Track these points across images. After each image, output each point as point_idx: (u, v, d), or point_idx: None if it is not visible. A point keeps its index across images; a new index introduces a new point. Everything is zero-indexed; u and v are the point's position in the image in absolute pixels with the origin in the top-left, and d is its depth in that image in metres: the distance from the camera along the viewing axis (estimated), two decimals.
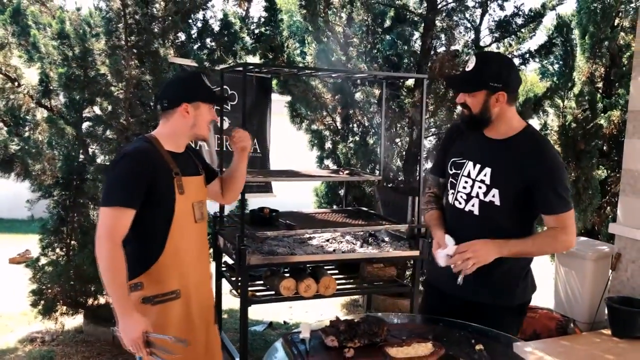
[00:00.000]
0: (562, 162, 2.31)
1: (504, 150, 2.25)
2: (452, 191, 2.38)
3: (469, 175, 2.31)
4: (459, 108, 2.36)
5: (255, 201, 6.61)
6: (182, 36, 4.43)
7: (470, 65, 2.18)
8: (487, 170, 2.26)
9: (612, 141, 5.77)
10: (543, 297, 5.33)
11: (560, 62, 5.98)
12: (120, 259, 2.03)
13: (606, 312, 4.69)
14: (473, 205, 2.28)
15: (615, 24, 5.89)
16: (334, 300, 5.30)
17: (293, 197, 6.11)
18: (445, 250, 2.19)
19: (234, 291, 3.51)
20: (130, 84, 3.57)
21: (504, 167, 2.23)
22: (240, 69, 3.26)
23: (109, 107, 3.61)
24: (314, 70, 3.98)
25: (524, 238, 2.22)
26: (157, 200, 2.14)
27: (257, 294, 3.51)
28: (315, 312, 5.14)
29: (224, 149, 4.95)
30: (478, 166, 2.28)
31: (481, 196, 2.26)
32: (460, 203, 2.33)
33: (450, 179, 2.39)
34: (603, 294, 4.63)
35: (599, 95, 5.84)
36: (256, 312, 5.00)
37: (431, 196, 2.55)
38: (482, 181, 2.26)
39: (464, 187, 2.31)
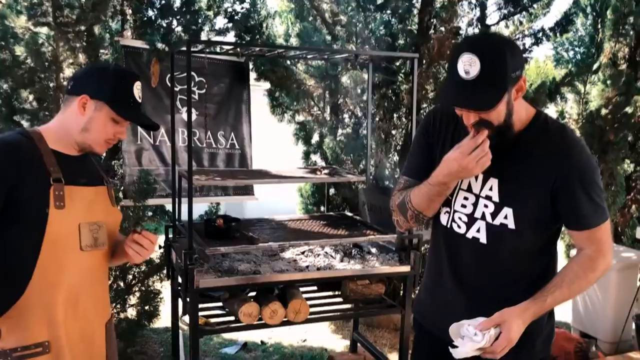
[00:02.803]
0: (593, 156, 1.68)
1: (514, 151, 1.62)
2: (447, 209, 1.75)
3: (469, 189, 1.69)
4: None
5: (234, 205, 5.98)
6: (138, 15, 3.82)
7: (474, 70, 1.47)
8: (494, 181, 1.64)
9: (638, 131, 5.08)
10: (559, 310, 4.70)
11: (585, 41, 5.31)
12: None
13: (633, 330, 4.13)
14: (478, 231, 1.68)
15: None
16: None
17: (277, 199, 5.51)
18: (465, 344, 1.53)
19: (184, 318, 2.91)
20: (60, 69, 2.98)
21: (517, 176, 1.61)
22: (184, 48, 2.63)
23: (30, 97, 3.01)
24: (282, 50, 3.33)
25: (554, 282, 1.61)
26: (21, 214, 1.54)
27: (213, 319, 2.92)
28: (300, 330, 4.55)
29: (192, 145, 4.38)
30: (481, 176, 1.66)
31: (488, 218, 1.65)
32: (459, 227, 1.72)
33: None
34: (630, 310, 4.00)
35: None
36: None
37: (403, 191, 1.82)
38: (489, 197, 1.65)
39: (464, 206, 1.70)
